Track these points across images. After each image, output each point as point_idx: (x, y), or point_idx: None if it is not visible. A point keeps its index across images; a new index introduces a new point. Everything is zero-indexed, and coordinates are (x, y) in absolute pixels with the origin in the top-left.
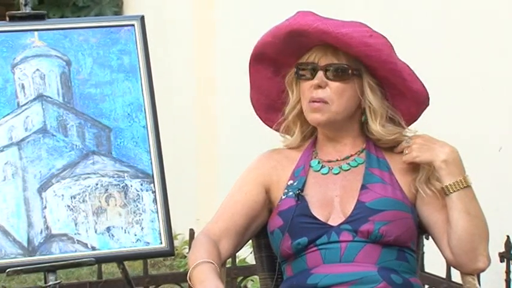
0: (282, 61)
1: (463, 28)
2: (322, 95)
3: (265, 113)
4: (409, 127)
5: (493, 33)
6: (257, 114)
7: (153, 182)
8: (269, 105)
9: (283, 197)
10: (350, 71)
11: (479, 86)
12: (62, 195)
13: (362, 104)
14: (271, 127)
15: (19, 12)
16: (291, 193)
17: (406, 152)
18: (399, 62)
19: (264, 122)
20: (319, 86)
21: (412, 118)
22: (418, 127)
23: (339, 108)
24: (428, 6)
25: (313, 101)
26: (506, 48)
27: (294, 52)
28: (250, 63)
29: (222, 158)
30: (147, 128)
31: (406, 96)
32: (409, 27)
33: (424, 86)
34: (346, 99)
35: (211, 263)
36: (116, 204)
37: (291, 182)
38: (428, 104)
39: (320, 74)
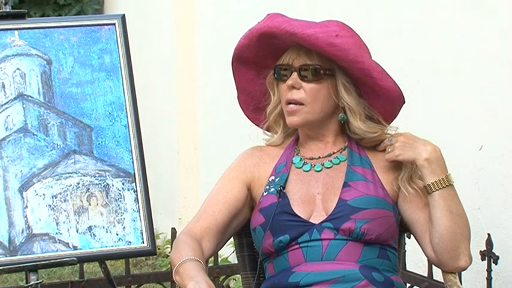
0: (262, 63)
1: (443, 27)
2: (297, 96)
3: (253, 114)
4: (391, 125)
5: (475, 34)
6: (245, 114)
7: (135, 181)
8: (255, 106)
9: (265, 193)
10: (322, 71)
11: (459, 84)
12: (43, 194)
13: (340, 104)
14: (258, 126)
15: None
16: (272, 189)
17: (389, 150)
18: (368, 61)
19: (252, 122)
20: (293, 87)
21: (389, 116)
22: (398, 126)
23: (314, 109)
24: (407, 5)
25: (289, 103)
26: (487, 48)
27: (272, 54)
28: (232, 66)
29: (203, 157)
30: (128, 127)
31: (379, 94)
32: (388, 26)
33: (395, 84)
34: (321, 100)
35: (198, 260)
36: (97, 204)
37: (273, 177)
38: (403, 102)
39: (294, 75)
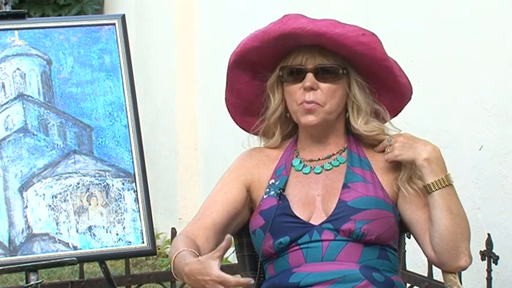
0: (261, 64)
1: (446, 27)
2: (314, 97)
3: (241, 116)
4: (393, 126)
5: (475, 34)
6: (232, 117)
7: (135, 181)
8: (245, 109)
9: (265, 196)
10: (340, 71)
11: (459, 84)
12: (43, 194)
13: (349, 101)
14: (246, 130)
15: None
16: (272, 192)
17: (388, 150)
18: (389, 58)
19: (238, 125)
20: (311, 88)
21: (395, 112)
22: (398, 126)
23: (331, 108)
24: (407, 5)
25: (306, 103)
26: (487, 48)
27: (276, 55)
28: (229, 68)
29: (203, 157)
30: (128, 127)
31: (393, 91)
32: (388, 26)
33: (409, 80)
34: (337, 99)
35: (189, 250)
36: (97, 204)
37: (273, 181)
38: (410, 99)
39: (310, 76)
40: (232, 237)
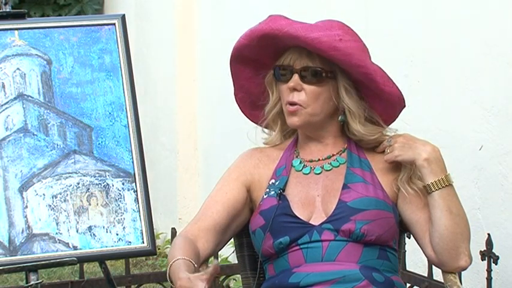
0: (261, 62)
1: (446, 27)
2: (297, 99)
3: (250, 110)
4: (390, 126)
5: (475, 34)
6: (241, 111)
7: (135, 181)
8: (253, 103)
9: (265, 196)
10: (324, 74)
11: (459, 84)
12: (43, 194)
13: (340, 106)
14: (256, 123)
15: None
16: (272, 192)
17: (388, 151)
18: (371, 65)
19: (248, 118)
20: (294, 89)
21: (389, 118)
22: (397, 127)
23: (315, 110)
24: (407, 5)
25: (290, 104)
26: (487, 47)
27: (272, 53)
28: (230, 64)
29: (203, 157)
30: (128, 127)
31: (381, 98)
32: (388, 27)
33: (397, 88)
34: (321, 102)
35: (185, 259)
36: (97, 204)
37: (273, 181)
38: (404, 105)
39: (295, 77)
40: (232, 238)
